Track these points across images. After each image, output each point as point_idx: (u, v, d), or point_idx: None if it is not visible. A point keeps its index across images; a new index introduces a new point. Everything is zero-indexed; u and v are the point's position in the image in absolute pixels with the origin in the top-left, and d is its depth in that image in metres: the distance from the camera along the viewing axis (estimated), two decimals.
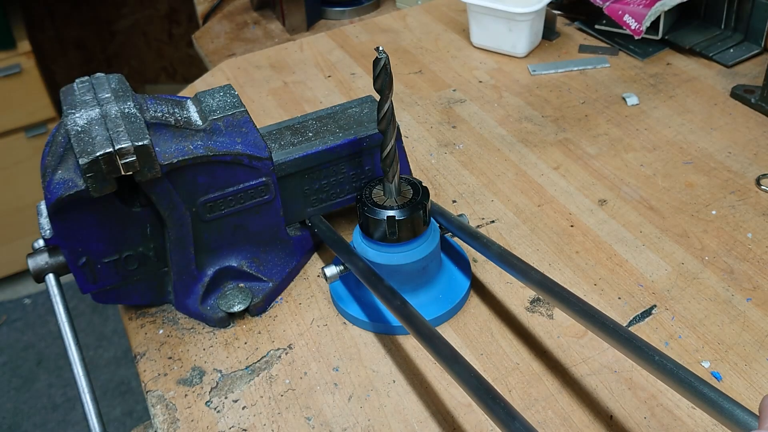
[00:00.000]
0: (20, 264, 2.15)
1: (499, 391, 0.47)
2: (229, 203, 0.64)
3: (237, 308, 0.65)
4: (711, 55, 1.00)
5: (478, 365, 0.61)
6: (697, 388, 0.44)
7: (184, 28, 2.53)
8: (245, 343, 0.65)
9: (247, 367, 0.62)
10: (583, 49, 1.06)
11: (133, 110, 0.58)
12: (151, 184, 0.58)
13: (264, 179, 0.64)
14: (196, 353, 0.64)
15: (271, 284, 0.68)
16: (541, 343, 0.62)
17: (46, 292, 0.67)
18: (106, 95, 0.60)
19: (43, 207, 0.62)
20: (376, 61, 0.57)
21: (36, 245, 0.62)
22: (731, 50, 1.00)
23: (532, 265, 0.69)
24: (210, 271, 0.66)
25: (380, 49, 0.57)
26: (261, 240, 0.68)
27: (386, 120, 0.59)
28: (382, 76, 0.58)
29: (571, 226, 0.74)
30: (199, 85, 1.06)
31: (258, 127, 0.67)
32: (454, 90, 0.99)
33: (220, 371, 0.62)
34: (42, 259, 0.61)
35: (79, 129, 0.56)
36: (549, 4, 1.06)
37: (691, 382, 0.44)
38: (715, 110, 0.90)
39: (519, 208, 0.77)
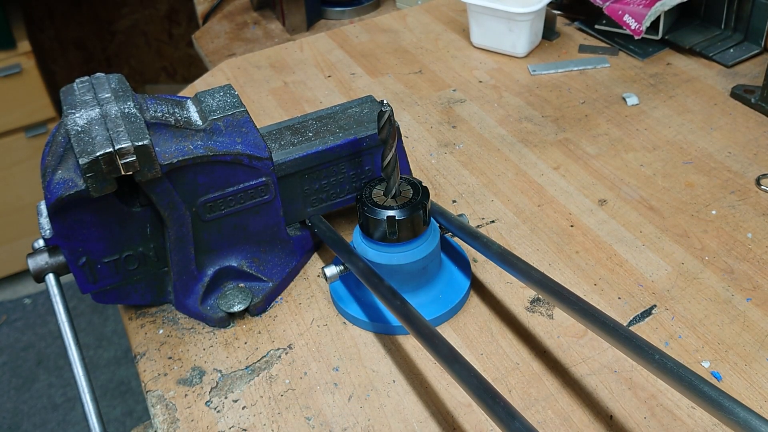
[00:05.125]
0: (20, 264, 2.16)
1: (499, 391, 0.47)
2: (229, 203, 0.64)
3: (237, 308, 0.65)
4: (711, 55, 1.00)
5: (478, 365, 0.61)
6: (697, 387, 0.44)
7: (184, 28, 2.53)
8: (245, 343, 0.65)
9: (247, 367, 0.63)
10: (583, 49, 1.06)
11: (133, 110, 0.58)
12: (151, 184, 0.58)
13: (264, 179, 0.64)
14: (196, 353, 0.64)
15: (271, 284, 0.68)
16: (541, 343, 0.62)
17: (46, 292, 0.67)
18: (106, 95, 0.60)
19: (43, 207, 0.62)
20: (380, 114, 0.59)
21: (36, 245, 0.62)
22: (731, 50, 1.00)
23: (532, 265, 0.69)
24: (210, 271, 0.66)
25: (385, 102, 0.59)
26: (261, 240, 0.68)
27: (390, 166, 0.60)
28: (387, 127, 0.59)
29: (571, 226, 0.74)
30: (199, 85, 1.06)
31: (258, 127, 0.67)
32: (454, 90, 0.99)
33: (220, 371, 0.62)
34: (42, 259, 0.61)
35: (79, 129, 0.56)
36: (549, 4, 1.06)
37: (691, 381, 0.44)
38: (715, 110, 0.90)
39: (519, 208, 0.77)
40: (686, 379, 0.44)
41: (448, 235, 0.70)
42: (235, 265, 0.67)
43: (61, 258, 0.61)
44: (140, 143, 0.55)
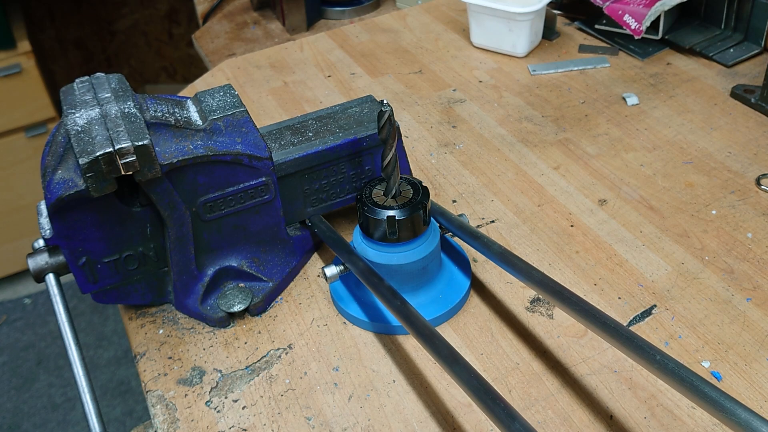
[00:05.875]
0: (20, 264, 2.16)
1: (499, 392, 0.47)
2: (229, 203, 0.64)
3: (237, 308, 0.65)
4: (711, 55, 1.00)
5: (478, 365, 0.61)
6: (698, 388, 0.44)
7: (184, 28, 2.53)
8: (245, 343, 0.65)
9: (247, 367, 0.62)
10: (583, 49, 1.06)
11: (133, 110, 0.58)
12: (151, 183, 0.58)
13: (264, 179, 0.64)
14: (196, 353, 0.64)
15: (271, 284, 0.68)
16: (541, 343, 0.62)
17: (46, 292, 0.67)
18: (106, 95, 0.60)
19: (43, 207, 0.62)
20: (380, 113, 0.58)
21: (36, 245, 0.62)
22: (731, 50, 1.00)
23: (532, 265, 0.69)
24: (210, 271, 0.66)
25: (385, 102, 0.59)
26: (261, 240, 0.68)
27: (390, 166, 0.60)
28: (387, 127, 0.59)
29: (571, 226, 0.74)
30: (199, 85, 1.06)
31: (258, 127, 0.67)
32: (454, 90, 0.99)
33: (220, 371, 0.62)
34: (42, 259, 0.61)
35: (79, 129, 0.56)
36: (549, 4, 1.06)
37: (692, 381, 0.44)
38: (715, 110, 0.90)
39: (519, 208, 0.77)
40: (687, 380, 0.44)
41: (448, 235, 0.70)
42: (235, 265, 0.67)
43: (61, 258, 0.61)
44: (140, 143, 0.55)
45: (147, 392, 0.61)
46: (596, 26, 1.08)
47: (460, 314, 0.66)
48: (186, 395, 0.61)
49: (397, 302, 0.56)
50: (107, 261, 0.62)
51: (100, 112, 0.58)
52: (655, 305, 0.65)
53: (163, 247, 0.64)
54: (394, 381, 0.60)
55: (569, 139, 0.87)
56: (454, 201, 0.79)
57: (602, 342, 0.61)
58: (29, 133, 1.97)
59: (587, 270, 0.69)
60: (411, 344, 0.63)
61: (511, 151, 0.86)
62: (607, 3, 1.03)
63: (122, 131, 0.56)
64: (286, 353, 0.63)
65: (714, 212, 0.74)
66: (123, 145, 0.54)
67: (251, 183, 0.64)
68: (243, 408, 0.59)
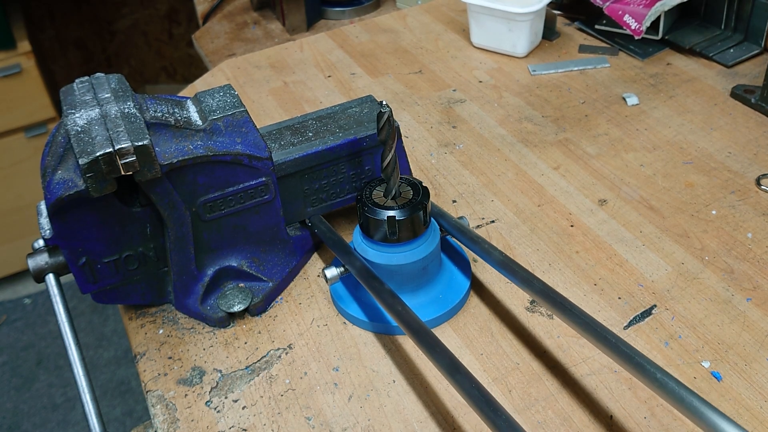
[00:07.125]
0: (20, 264, 2.16)
1: (500, 404, 0.47)
2: (229, 203, 0.64)
3: (237, 308, 0.65)
4: (711, 55, 1.00)
5: (478, 365, 0.61)
6: (697, 409, 0.43)
7: (184, 28, 2.53)
8: (245, 343, 0.65)
9: (247, 367, 0.63)
10: (583, 49, 1.06)
11: (133, 110, 0.58)
12: (151, 184, 0.58)
13: (264, 179, 0.64)
14: (196, 353, 0.64)
15: (271, 284, 0.68)
16: (541, 343, 0.62)
17: (46, 292, 0.67)
18: (106, 95, 0.60)
19: (43, 207, 0.62)
20: (380, 115, 0.59)
21: (36, 245, 0.62)
22: (731, 50, 1.00)
23: (532, 265, 0.69)
24: (210, 271, 0.66)
25: (384, 102, 0.58)
26: (261, 240, 0.68)
27: (390, 167, 0.60)
28: (386, 128, 0.59)
29: (571, 226, 0.74)
30: (199, 85, 1.06)
31: (258, 127, 0.67)
32: (454, 90, 0.99)
33: (220, 371, 0.62)
34: (42, 259, 0.61)
35: (79, 129, 0.56)
36: (549, 4, 1.06)
37: (691, 402, 0.44)
38: (715, 110, 0.90)
39: (519, 208, 0.77)
40: (687, 400, 0.44)
41: (448, 235, 0.70)
42: (235, 265, 0.67)
43: (61, 258, 0.61)
44: (140, 143, 0.55)
45: (147, 392, 0.61)
46: (596, 26, 1.08)
47: (460, 314, 0.66)
48: (186, 395, 0.61)
49: (398, 307, 0.56)
50: (107, 261, 0.62)
51: (100, 113, 0.58)
52: (655, 305, 0.65)
53: (163, 247, 0.64)
54: (394, 381, 0.60)
55: (569, 139, 0.87)
56: (454, 201, 0.79)
57: None
58: (29, 133, 1.97)
59: (587, 270, 0.69)
60: (411, 344, 0.63)
61: (511, 151, 0.86)
62: (607, 3, 1.03)
63: (122, 131, 0.56)
64: (286, 353, 0.63)
65: (714, 212, 0.74)
66: (123, 146, 0.54)
67: (251, 183, 0.64)
68: (243, 408, 0.59)
